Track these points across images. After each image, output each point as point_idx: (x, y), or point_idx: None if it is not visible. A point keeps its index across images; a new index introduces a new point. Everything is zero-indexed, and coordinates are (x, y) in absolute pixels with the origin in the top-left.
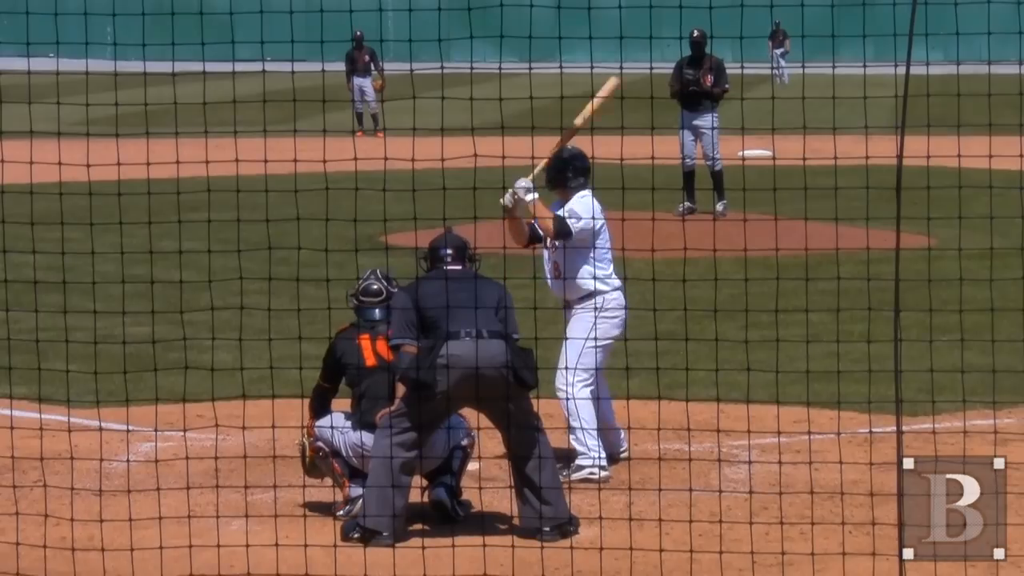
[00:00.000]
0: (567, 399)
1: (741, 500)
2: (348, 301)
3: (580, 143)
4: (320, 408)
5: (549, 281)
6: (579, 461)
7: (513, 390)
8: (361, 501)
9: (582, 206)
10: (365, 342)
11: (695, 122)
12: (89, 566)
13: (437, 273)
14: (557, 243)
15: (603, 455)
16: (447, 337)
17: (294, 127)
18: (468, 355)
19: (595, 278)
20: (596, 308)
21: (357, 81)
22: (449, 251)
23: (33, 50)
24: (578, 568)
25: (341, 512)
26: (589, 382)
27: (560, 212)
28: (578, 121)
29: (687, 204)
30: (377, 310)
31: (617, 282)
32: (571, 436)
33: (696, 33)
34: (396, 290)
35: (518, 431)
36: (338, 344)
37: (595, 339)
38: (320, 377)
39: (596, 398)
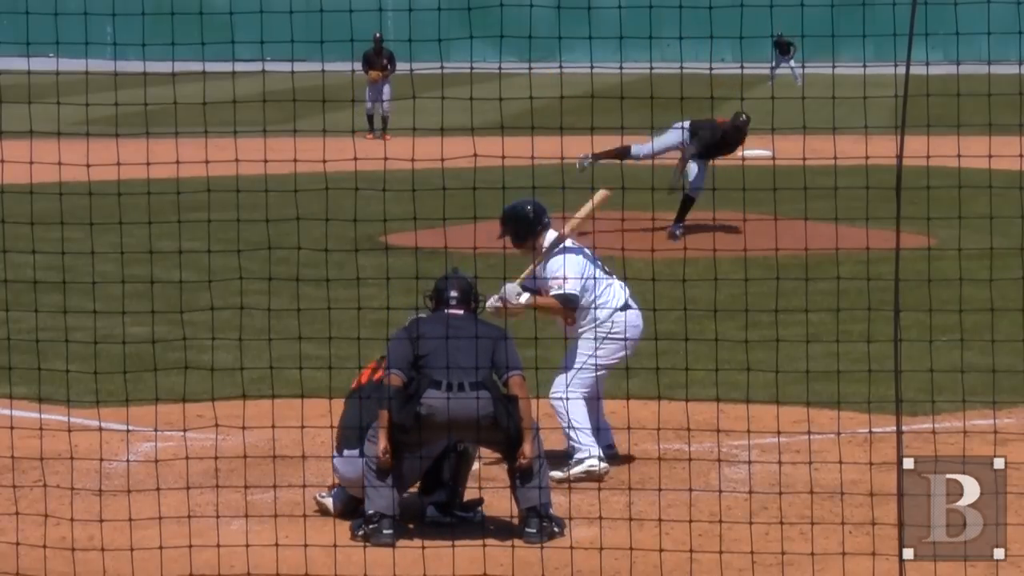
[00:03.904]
0: (560, 400)
1: (741, 500)
2: None
3: (580, 144)
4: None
5: (565, 329)
6: (578, 455)
7: (496, 435)
8: (335, 502)
9: (562, 261)
10: (369, 367)
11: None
12: (89, 566)
13: (438, 316)
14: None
15: (599, 451)
16: (429, 385)
17: (294, 127)
18: (446, 408)
19: (598, 310)
20: (606, 333)
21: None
22: (454, 294)
23: (33, 50)
24: (578, 568)
25: (323, 494)
26: (583, 384)
27: (544, 276)
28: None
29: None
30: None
31: (623, 301)
32: (566, 435)
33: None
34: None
35: (509, 448)
36: None
37: (598, 359)
38: None
39: (594, 397)
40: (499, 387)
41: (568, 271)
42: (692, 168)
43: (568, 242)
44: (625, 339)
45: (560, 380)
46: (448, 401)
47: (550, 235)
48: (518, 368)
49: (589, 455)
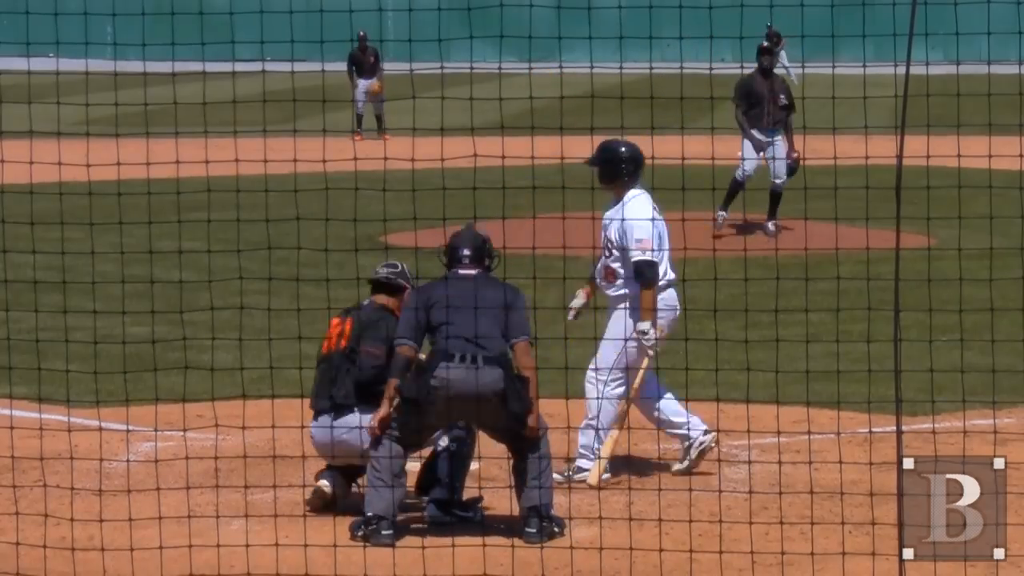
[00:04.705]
0: (595, 397)
1: (741, 500)
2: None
3: (580, 144)
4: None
5: (600, 283)
6: (579, 463)
7: (504, 414)
8: (330, 484)
9: (639, 216)
10: (333, 327)
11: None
12: (89, 566)
13: (451, 279)
14: (614, 251)
15: (606, 461)
16: (442, 358)
17: (294, 127)
18: (459, 380)
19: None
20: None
21: (364, 83)
22: (467, 252)
23: (33, 50)
24: (578, 568)
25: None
26: (621, 382)
27: (624, 236)
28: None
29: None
30: (381, 270)
31: (671, 277)
32: (581, 434)
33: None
34: (410, 289)
35: (516, 435)
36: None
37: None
38: None
39: (629, 397)
40: (511, 363)
41: (639, 232)
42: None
43: (641, 197)
44: (676, 310)
45: (599, 356)
46: (463, 372)
47: (634, 191)
48: (526, 334)
49: (591, 466)
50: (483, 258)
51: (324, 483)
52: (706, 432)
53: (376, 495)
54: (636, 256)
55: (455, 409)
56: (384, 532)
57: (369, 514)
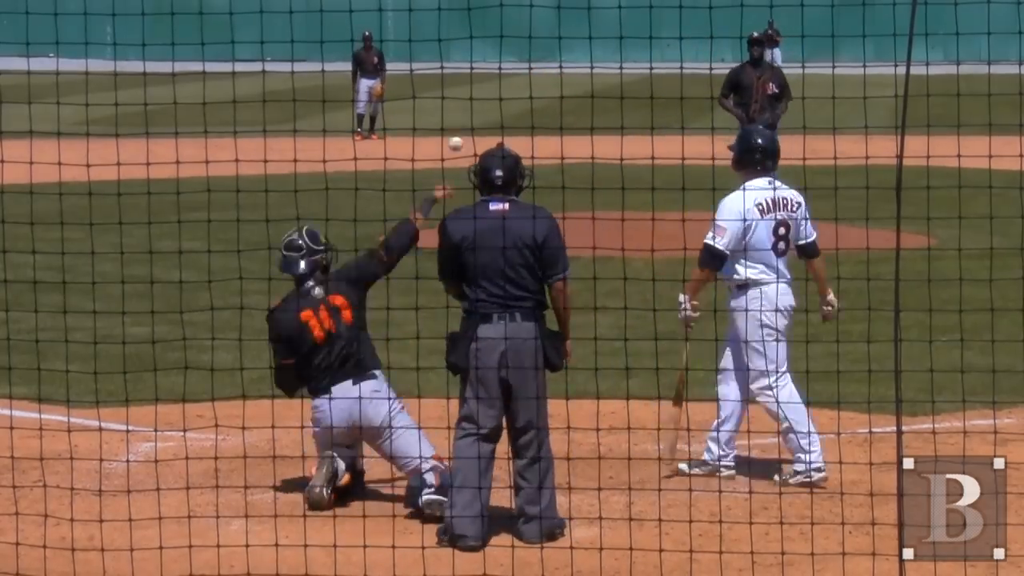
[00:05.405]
0: (773, 402)
1: (741, 500)
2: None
3: (580, 144)
4: (293, 386)
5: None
6: (795, 466)
7: (535, 377)
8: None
9: (730, 208)
10: (310, 320)
11: None
12: (89, 566)
13: (482, 216)
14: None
15: (818, 455)
16: (480, 319)
17: (294, 127)
18: (498, 338)
19: (746, 270)
20: (757, 300)
21: (366, 83)
22: (499, 173)
23: (33, 50)
24: (578, 568)
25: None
26: (784, 381)
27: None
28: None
29: None
30: (302, 263)
31: (753, 276)
32: (785, 440)
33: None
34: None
35: (523, 429)
36: (280, 322)
37: (762, 336)
38: (278, 356)
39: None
40: (544, 314)
41: (725, 222)
42: None
43: (748, 191)
44: (787, 309)
45: (752, 363)
46: (501, 329)
47: (754, 183)
48: (563, 270)
49: (806, 467)
50: (515, 179)
51: (333, 453)
52: (819, 471)
53: (459, 496)
54: (705, 238)
55: (502, 368)
56: (471, 535)
57: (455, 531)
